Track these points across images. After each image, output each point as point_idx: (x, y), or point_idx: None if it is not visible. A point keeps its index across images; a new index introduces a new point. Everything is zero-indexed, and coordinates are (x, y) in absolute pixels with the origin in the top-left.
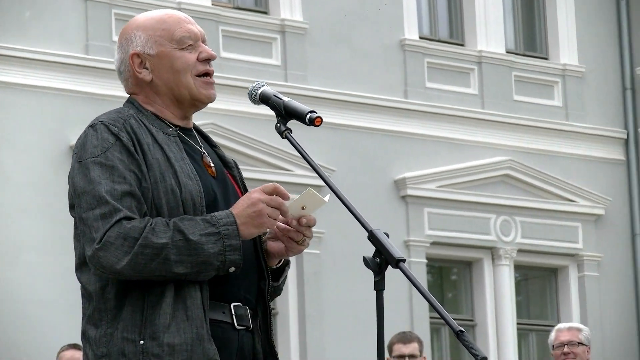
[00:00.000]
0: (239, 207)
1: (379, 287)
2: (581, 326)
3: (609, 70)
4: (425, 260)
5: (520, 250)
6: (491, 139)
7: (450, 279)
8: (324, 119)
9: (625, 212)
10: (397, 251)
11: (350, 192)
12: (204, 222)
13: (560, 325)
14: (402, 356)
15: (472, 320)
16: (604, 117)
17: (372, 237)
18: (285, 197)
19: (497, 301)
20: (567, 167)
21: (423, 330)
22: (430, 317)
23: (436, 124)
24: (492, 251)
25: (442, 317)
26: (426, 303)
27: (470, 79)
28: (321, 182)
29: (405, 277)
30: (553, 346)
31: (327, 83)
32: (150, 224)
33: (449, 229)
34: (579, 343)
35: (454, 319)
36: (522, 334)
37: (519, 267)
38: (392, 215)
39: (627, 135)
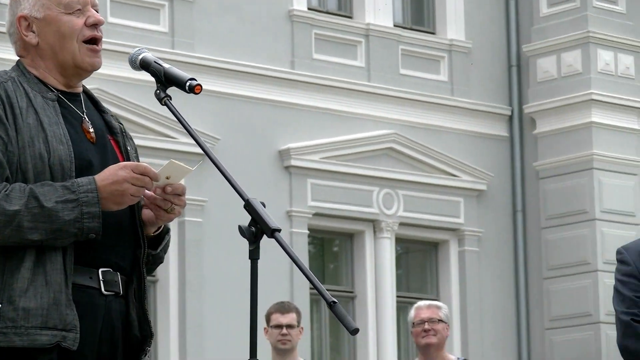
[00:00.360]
0: (104, 179)
1: (254, 256)
2: (440, 304)
3: (495, 46)
4: (307, 231)
5: (401, 224)
6: (376, 112)
7: (331, 250)
8: (210, 88)
9: (507, 189)
10: (273, 221)
11: (234, 162)
12: (63, 189)
13: (420, 303)
14: (280, 326)
15: (352, 292)
16: (489, 93)
17: (249, 206)
18: (155, 179)
19: (377, 274)
20: (450, 142)
21: (303, 300)
22: (310, 288)
23: (322, 96)
24: (374, 224)
25: (316, 287)
26: None
27: (358, 51)
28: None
29: (281, 247)
30: (413, 323)
31: (214, 51)
32: (5, 191)
33: (331, 200)
34: (439, 320)
35: (334, 291)
36: (402, 307)
37: (400, 241)
38: (275, 186)
39: (512, 112)
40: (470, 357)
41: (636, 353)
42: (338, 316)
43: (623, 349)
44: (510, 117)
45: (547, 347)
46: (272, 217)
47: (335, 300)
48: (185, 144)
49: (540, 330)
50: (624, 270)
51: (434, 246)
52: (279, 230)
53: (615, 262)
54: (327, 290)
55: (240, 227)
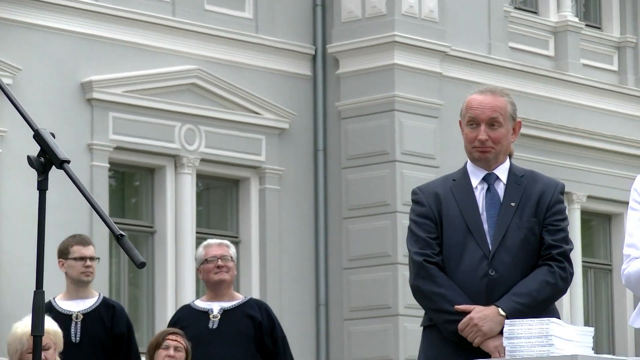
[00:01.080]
0: None
1: (42, 187)
2: (229, 243)
3: None
4: (108, 165)
5: (203, 160)
6: (180, 47)
7: (132, 184)
8: (13, 17)
9: (308, 128)
10: (62, 152)
11: (36, 92)
12: None
13: (210, 241)
14: (84, 258)
15: (152, 227)
16: (293, 32)
17: (38, 137)
18: None
19: (177, 209)
20: (254, 79)
21: (102, 234)
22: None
23: (126, 29)
24: (175, 159)
25: (104, 220)
26: (107, 207)
27: None
28: (4, 80)
29: (70, 179)
30: (206, 260)
31: None
32: None
33: (133, 134)
34: (230, 258)
35: (134, 225)
36: (201, 243)
37: (201, 177)
38: (76, 118)
39: (315, 51)
40: (268, 296)
41: (427, 293)
42: (125, 249)
43: (415, 289)
44: (314, 57)
45: (344, 286)
46: (74, 150)
47: (123, 233)
48: None
49: (338, 270)
50: (418, 211)
51: (235, 183)
52: (68, 162)
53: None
54: (127, 224)
55: (29, 158)
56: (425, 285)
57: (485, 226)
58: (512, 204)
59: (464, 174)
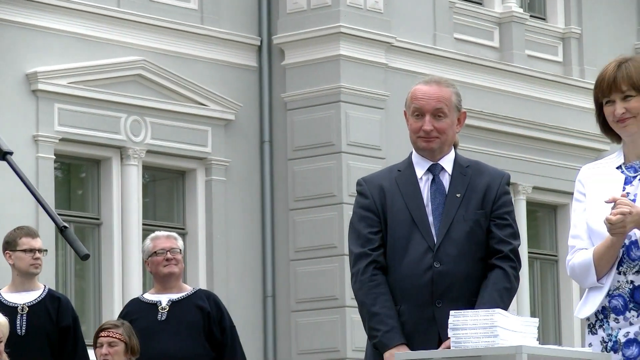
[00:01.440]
0: None
1: None
2: (177, 235)
3: None
4: (54, 157)
5: (149, 151)
6: (126, 38)
7: (78, 176)
8: None
9: (254, 119)
10: (5, 143)
11: None
12: None
13: (157, 233)
14: (33, 250)
15: (98, 219)
16: (238, 23)
17: None
18: None
19: (124, 201)
20: (200, 70)
21: (48, 226)
22: (58, 214)
23: (71, 20)
24: (121, 151)
25: (47, 212)
26: (53, 199)
27: None
28: None
29: (13, 170)
30: (155, 252)
31: None
32: None
33: (79, 126)
34: (179, 250)
35: (81, 217)
36: (147, 234)
37: (147, 168)
38: (22, 109)
39: (261, 42)
40: (215, 287)
41: (361, 303)
42: (69, 241)
43: (354, 292)
44: (260, 48)
45: (291, 278)
46: (19, 141)
47: (67, 225)
48: None
49: (285, 261)
50: (362, 203)
51: (181, 175)
52: (11, 153)
53: None
54: (74, 216)
55: None
56: (362, 296)
57: (431, 218)
58: (457, 195)
59: (408, 164)
